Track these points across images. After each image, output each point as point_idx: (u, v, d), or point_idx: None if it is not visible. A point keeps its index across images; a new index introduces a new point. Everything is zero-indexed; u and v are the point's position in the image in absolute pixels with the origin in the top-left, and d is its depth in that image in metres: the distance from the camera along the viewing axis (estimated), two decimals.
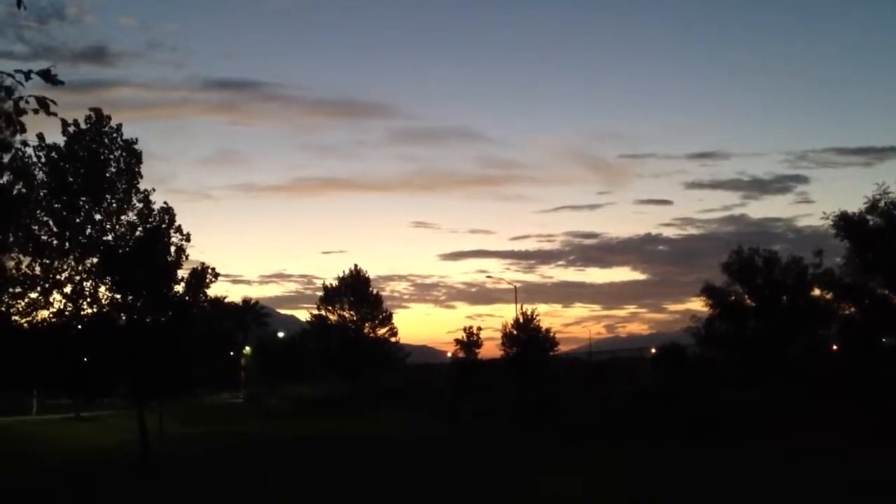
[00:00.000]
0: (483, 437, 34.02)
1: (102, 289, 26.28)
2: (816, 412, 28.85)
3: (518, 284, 73.80)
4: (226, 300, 53.77)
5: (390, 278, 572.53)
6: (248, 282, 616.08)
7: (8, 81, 5.55)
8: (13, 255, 24.95)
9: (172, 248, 27.34)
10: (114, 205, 26.55)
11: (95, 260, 26.12)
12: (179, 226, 27.59)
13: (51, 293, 25.38)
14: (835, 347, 39.15)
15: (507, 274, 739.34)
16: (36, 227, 25.24)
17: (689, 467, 21.86)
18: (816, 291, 36.36)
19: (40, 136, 25.23)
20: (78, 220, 25.82)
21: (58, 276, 25.49)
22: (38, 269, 25.06)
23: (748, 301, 38.05)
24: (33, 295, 25.30)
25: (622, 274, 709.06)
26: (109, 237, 26.52)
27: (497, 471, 22.73)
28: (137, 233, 26.79)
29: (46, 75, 5.62)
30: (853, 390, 30.08)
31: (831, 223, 31.52)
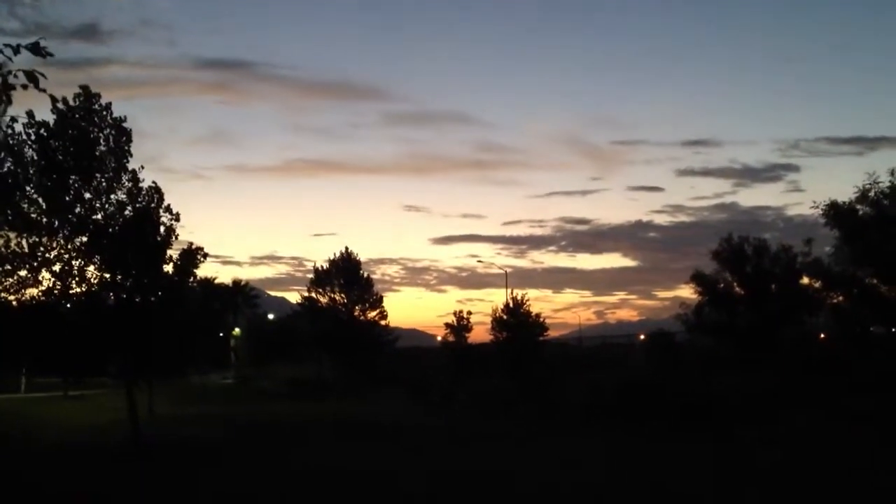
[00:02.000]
0: (471, 422, 34.13)
1: (91, 268, 26.17)
2: (804, 399, 29.01)
3: (509, 269, 73.84)
4: (216, 281, 53.81)
5: (381, 261, 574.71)
6: (238, 263, 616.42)
7: None
8: (1, 232, 24.81)
9: (161, 228, 27.26)
10: (103, 183, 26.41)
11: (85, 239, 25.99)
12: (168, 205, 27.52)
13: (39, 271, 25.27)
14: (822, 336, 39.38)
15: (498, 259, 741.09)
16: (25, 205, 25.09)
17: (673, 455, 22.00)
18: (805, 280, 36.51)
19: (30, 114, 25.10)
20: (67, 199, 25.67)
21: (47, 255, 25.37)
22: (25, 246, 24.93)
23: (737, 289, 38.23)
24: (22, 273, 25.19)
25: (613, 260, 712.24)
26: (99, 216, 26.39)
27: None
28: (127, 212, 26.69)
29: (35, 49, 5.55)
30: (841, 378, 30.27)
31: (821, 212, 31.60)
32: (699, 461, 20.38)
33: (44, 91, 5.63)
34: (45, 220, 25.36)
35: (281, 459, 22.87)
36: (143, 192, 27.04)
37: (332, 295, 65.18)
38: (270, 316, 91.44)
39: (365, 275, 66.50)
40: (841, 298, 33.31)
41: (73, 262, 25.79)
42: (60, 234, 25.61)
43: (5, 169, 24.68)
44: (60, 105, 25.22)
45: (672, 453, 22.10)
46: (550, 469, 19.49)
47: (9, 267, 25.02)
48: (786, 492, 15.36)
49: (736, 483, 16.58)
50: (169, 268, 27.53)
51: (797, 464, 19.22)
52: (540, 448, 24.71)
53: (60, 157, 25.50)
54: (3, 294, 25.23)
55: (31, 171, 25.25)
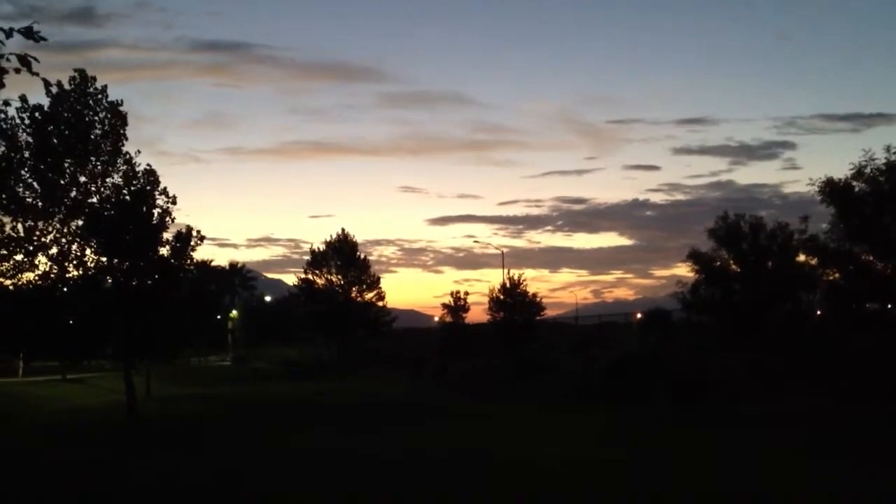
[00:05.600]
0: (464, 400, 34.25)
1: (88, 251, 26.19)
2: (799, 376, 29.13)
3: (505, 249, 73.89)
4: (212, 263, 53.77)
5: (378, 243, 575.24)
6: (235, 245, 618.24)
7: None
8: None
9: (157, 211, 27.26)
10: (99, 167, 26.41)
11: (81, 222, 26.00)
12: (164, 188, 27.53)
13: (36, 255, 25.28)
14: (819, 312, 39.46)
15: (495, 239, 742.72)
16: (20, 189, 25.06)
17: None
18: (801, 257, 36.54)
19: (23, 98, 25.07)
20: (62, 182, 25.65)
21: (43, 239, 25.38)
22: (21, 230, 24.93)
23: (734, 266, 38.24)
24: (18, 257, 25.20)
25: (609, 239, 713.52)
26: (94, 199, 26.40)
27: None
28: (122, 195, 26.68)
29: (28, 32, 5.51)
30: (836, 354, 30.39)
31: (817, 189, 31.54)
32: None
33: (36, 75, 5.59)
34: (40, 203, 25.35)
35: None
36: (139, 176, 27.04)
37: (329, 276, 65.21)
38: (267, 298, 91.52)
39: (361, 256, 66.55)
40: (836, 275, 33.33)
41: (71, 246, 25.83)
42: (56, 218, 25.63)
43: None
44: (54, 89, 25.17)
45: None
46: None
47: (4, 252, 25.03)
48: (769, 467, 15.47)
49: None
50: (165, 250, 27.56)
51: (787, 438, 19.35)
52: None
53: (55, 141, 25.48)
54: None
55: (26, 155, 25.22)
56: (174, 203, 27.66)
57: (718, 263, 38.20)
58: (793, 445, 18.26)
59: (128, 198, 26.65)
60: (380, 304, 66.03)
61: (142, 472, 16.57)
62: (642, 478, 14.14)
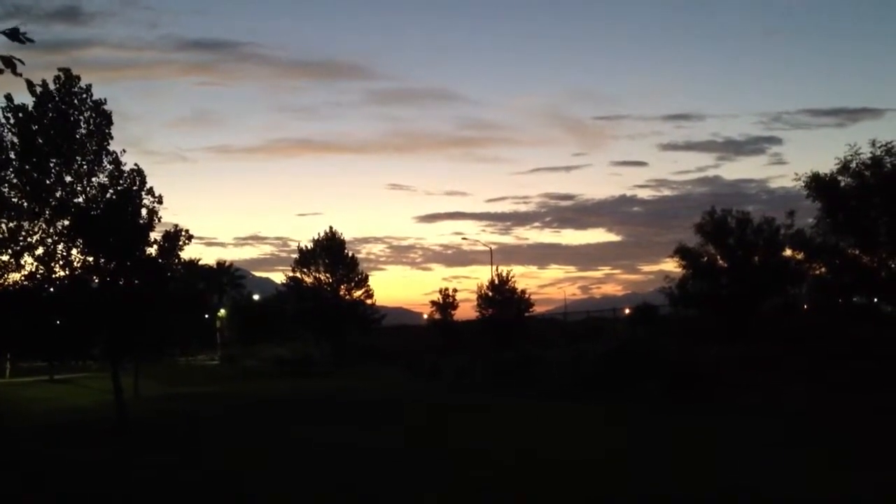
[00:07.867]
0: (461, 396, 34.33)
1: (74, 251, 26.04)
2: (792, 367, 29.27)
3: (494, 246, 74.06)
4: (200, 262, 53.63)
5: (366, 240, 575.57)
6: (222, 244, 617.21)
7: None
8: None
9: (144, 211, 27.13)
10: (84, 167, 26.23)
11: (66, 222, 25.85)
12: (151, 188, 27.35)
13: (22, 256, 25.13)
14: (805, 307, 39.65)
15: (483, 236, 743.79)
16: (5, 189, 24.90)
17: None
18: (788, 252, 36.74)
19: (8, 97, 24.92)
20: (48, 182, 25.49)
21: (29, 239, 25.22)
22: (6, 231, 24.77)
23: (721, 261, 38.40)
24: (4, 257, 25.05)
25: (597, 235, 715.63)
26: (80, 199, 26.24)
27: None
28: (109, 195, 26.52)
29: (14, 34, 5.49)
30: (823, 348, 30.53)
31: (803, 184, 31.72)
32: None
33: (20, 76, 5.57)
34: (25, 204, 25.19)
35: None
36: (125, 175, 26.89)
37: (318, 275, 65.16)
38: (256, 296, 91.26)
39: (350, 254, 66.55)
40: (823, 269, 33.52)
41: (57, 247, 25.67)
42: (42, 218, 25.46)
43: None
44: (39, 89, 24.97)
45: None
46: None
47: None
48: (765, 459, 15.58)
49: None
50: (152, 250, 27.42)
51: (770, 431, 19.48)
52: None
53: (40, 141, 25.30)
54: None
55: (11, 155, 25.06)
56: (160, 202, 27.49)
57: (705, 258, 38.38)
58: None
59: (114, 197, 26.48)
60: (368, 301, 66.06)
61: (137, 471, 16.57)
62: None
